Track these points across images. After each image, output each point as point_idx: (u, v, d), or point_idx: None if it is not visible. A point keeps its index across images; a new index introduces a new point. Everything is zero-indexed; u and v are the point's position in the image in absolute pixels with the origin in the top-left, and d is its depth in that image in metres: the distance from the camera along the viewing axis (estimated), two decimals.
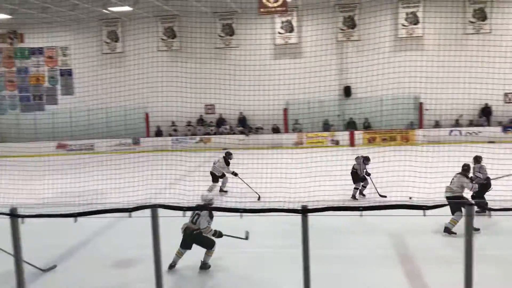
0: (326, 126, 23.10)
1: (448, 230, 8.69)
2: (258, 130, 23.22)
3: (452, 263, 6.98)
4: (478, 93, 19.63)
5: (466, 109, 21.61)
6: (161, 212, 4.54)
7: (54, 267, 7.89)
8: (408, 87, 20.74)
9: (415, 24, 22.05)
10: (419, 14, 21.96)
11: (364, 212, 4.48)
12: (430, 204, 4.42)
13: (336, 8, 22.38)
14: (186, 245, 7.58)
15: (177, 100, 17.88)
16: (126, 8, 21.79)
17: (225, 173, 12.73)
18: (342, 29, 22.58)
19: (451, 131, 21.62)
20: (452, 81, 19.10)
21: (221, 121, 23.92)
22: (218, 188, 12.85)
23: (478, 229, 8.32)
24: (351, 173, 11.81)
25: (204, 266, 7.70)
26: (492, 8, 21.72)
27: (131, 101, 21.17)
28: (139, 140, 23.54)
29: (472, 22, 21.89)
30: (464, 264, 4.23)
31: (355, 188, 11.65)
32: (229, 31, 23.20)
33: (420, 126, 22.38)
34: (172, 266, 7.60)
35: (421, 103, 22.29)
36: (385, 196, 11.32)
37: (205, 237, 7.52)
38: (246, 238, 7.80)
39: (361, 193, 11.83)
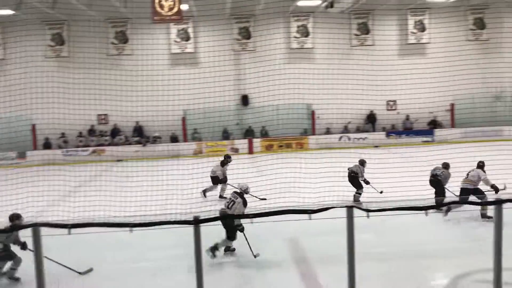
0: (226, 135, 23.32)
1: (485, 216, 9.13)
2: (155, 140, 22.74)
3: (345, 262, 7.36)
4: (363, 101, 21.15)
5: (354, 116, 23.20)
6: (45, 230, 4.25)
7: (90, 270, 7.83)
8: (301, 96, 21.78)
9: (306, 36, 23.14)
10: (309, 27, 23.08)
11: (255, 220, 4.59)
12: (316, 207, 4.67)
13: (231, 18, 22.75)
14: (229, 235, 8.16)
15: (66, 110, 16.90)
16: (7, 12, 20.18)
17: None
18: (237, 39, 23.00)
19: (341, 137, 22.94)
20: (340, 90, 20.39)
21: (116, 131, 23.04)
22: (218, 190, 12.69)
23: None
24: (350, 177, 11.59)
25: (215, 248, 8.13)
26: (374, 22, 23.52)
27: (17, 112, 19.57)
28: (25, 153, 21.84)
29: (356, 35, 23.50)
30: (347, 262, 4.51)
31: (357, 193, 11.47)
32: (122, 38, 22.50)
33: (313, 132, 23.48)
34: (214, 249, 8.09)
35: (313, 111, 23.41)
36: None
37: (233, 227, 7.99)
38: (255, 256, 8.12)
39: (355, 200, 11.39)
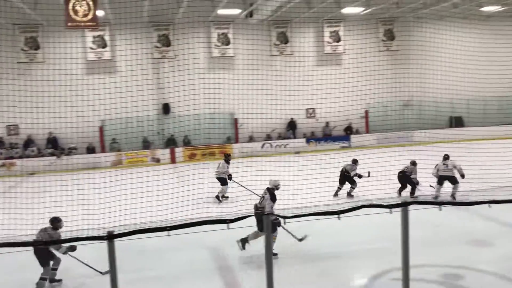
0: (146, 144, 22.77)
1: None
2: (71, 151, 21.66)
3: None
4: (284, 109, 21.61)
5: (275, 124, 23.65)
6: None
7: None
8: (223, 105, 21.80)
9: (227, 44, 23.29)
10: (230, 36, 23.26)
11: (172, 232, 4.50)
12: (234, 217, 4.67)
13: (150, 26, 22.34)
14: (260, 227, 8.34)
15: None
16: None
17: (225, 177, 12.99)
18: (157, 47, 22.62)
19: (263, 144, 23.29)
20: (262, 98, 20.68)
21: (28, 143, 21.68)
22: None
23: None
24: (341, 173, 12.98)
25: (246, 240, 8.69)
26: (292, 32, 24.21)
27: None
28: None
29: (276, 45, 24.04)
30: (266, 267, 4.55)
31: (352, 188, 12.86)
32: (34, 44, 21.28)
33: (236, 140, 23.62)
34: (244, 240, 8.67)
35: (236, 119, 23.55)
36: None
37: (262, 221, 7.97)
38: (301, 240, 8.76)
39: (349, 194, 12.88)
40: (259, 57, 21.89)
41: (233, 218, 4.67)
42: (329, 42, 24.75)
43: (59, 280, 7.80)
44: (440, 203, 4.52)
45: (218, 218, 4.65)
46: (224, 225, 4.79)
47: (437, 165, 12.08)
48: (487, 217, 9.81)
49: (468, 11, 24.50)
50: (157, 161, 22.00)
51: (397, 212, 4.76)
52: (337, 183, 13.08)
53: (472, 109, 25.30)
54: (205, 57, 23.18)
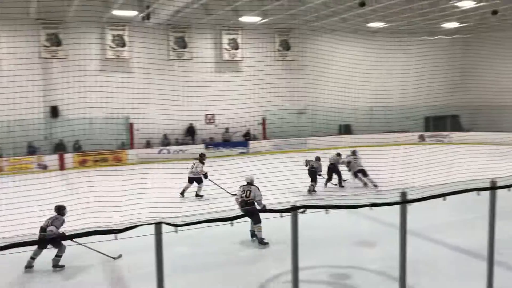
0: (31, 149, 21.11)
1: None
2: None
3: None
4: (183, 114, 21.37)
5: (174, 129, 23.28)
6: None
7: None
8: (118, 108, 20.94)
9: (122, 46, 22.50)
10: (126, 37, 22.50)
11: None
12: (123, 226, 4.43)
13: (38, 23, 20.84)
14: (256, 219, 9.29)
15: None
16: None
17: (201, 176, 13.65)
18: (46, 46, 21.17)
19: (160, 150, 22.79)
20: (160, 103, 20.22)
21: None
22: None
23: None
24: (310, 171, 13.95)
25: (262, 241, 9.29)
26: (191, 37, 24.07)
27: None
28: None
29: (174, 49, 23.72)
30: (156, 278, 4.38)
31: (311, 185, 13.84)
32: None
33: (131, 146, 22.84)
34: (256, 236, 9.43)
35: (131, 124, 22.78)
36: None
37: (255, 213, 9.07)
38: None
39: (340, 184, 14.60)
40: (156, 61, 21.44)
41: (121, 228, 4.43)
42: (227, 49, 25.01)
43: (62, 266, 8.28)
44: (327, 207, 4.71)
45: (106, 229, 4.38)
46: (112, 236, 4.52)
47: (349, 162, 14.28)
48: (372, 218, 10.49)
49: (356, 26, 26.21)
50: (44, 167, 20.49)
51: (288, 216, 4.86)
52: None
53: (359, 118, 27.07)
54: (98, 59, 22.17)
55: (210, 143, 24.43)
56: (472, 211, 10.01)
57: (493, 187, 5.56)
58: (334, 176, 14.76)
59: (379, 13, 24.18)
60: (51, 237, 7.80)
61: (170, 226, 4.59)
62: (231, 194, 12.25)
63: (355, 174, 14.67)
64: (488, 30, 27.81)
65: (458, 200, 5.93)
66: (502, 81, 25.62)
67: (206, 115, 24.86)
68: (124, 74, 21.85)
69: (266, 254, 9.05)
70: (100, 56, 22.36)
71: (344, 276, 7.90)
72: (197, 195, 13.83)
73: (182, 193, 13.75)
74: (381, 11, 23.66)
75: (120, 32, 22.44)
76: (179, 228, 4.74)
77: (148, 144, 23.06)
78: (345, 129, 27.80)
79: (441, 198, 5.41)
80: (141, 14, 20.44)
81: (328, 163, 14.68)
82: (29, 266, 8.25)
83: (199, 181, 13.87)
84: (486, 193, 5.71)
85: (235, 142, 24.98)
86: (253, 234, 9.56)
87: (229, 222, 4.85)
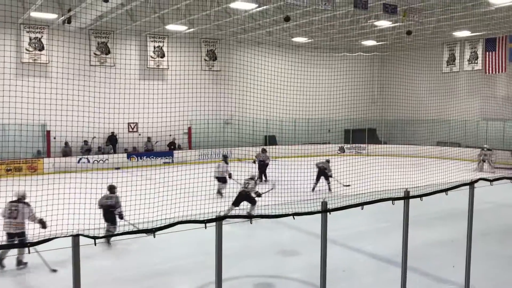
0: None
1: None
2: None
3: None
4: (104, 122, 20.59)
5: (94, 137, 22.39)
6: None
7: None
8: (34, 114, 19.76)
9: (40, 50, 21.36)
10: (44, 40, 21.40)
11: None
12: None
13: None
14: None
15: None
16: None
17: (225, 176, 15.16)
18: None
19: (80, 159, 21.80)
20: (80, 110, 19.37)
21: None
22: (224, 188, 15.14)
23: None
24: (321, 171, 16.20)
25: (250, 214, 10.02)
26: (115, 43, 23.37)
27: None
28: None
29: (96, 55, 22.91)
30: None
31: (328, 183, 16.16)
32: None
33: (48, 155, 21.63)
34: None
35: (48, 131, 21.60)
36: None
37: (252, 197, 11.98)
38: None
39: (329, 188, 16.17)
40: (77, 66, 20.51)
41: (34, 241, 4.18)
42: (152, 57, 24.59)
43: (25, 263, 8.34)
44: (250, 217, 4.75)
45: (18, 242, 4.11)
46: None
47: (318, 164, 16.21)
48: (295, 227, 10.72)
49: (281, 40, 26.89)
50: None
51: (212, 227, 4.84)
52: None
53: (284, 129, 27.68)
54: (13, 62, 20.84)
55: (133, 153, 23.76)
56: (387, 220, 10.57)
57: (406, 197, 5.91)
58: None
59: (303, 29, 25.02)
60: None
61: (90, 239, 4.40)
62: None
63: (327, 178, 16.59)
64: (403, 49, 29.75)
65: (375, 209, 6.23)
66: (415, 97, 27.39)
67: (129, 123, 24.19)
68: (41, 78, 20.69)
69: (189, 267, 8.93)
70: (15, 59, 21.06)
71: (268, 286, 7.99)
72: (218, 192, 15.31)
73: (219, 192, 15.33)
74: (304, 26, 24.50)
75: (38, 35, 21.29)
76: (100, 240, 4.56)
77: (66, 153, 21.95)
78: (270, 140, 28.28)
79: (359, 207, 5.66)
80: (62, 18, 19.55)
81: (317, 168, 16.59)
82: None
83: (224, 180, 15.45)
84: (401, 202, 6.07)
85: (159, 152, 24.50)
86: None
87: (151, 233, 4.75)
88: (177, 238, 8.66)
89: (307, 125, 27.94)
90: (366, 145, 29.77)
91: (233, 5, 19.36)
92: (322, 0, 16.22)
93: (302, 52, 28.39)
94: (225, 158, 16.54)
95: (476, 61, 27.24)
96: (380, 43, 28.74)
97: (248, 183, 12.48)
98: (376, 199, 5.77)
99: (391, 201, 5.90)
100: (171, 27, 23.02)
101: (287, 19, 19.21)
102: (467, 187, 6.59)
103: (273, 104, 22.17)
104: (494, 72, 26.50)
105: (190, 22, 22.61)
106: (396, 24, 23.37)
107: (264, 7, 19.89)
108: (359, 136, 30.36)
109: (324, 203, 5.34)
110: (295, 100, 26.80)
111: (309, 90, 27.13)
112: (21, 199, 8.70)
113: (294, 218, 5.17)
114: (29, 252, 4.44)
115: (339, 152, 29.07)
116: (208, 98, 23.49)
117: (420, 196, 6.00)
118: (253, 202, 12.03)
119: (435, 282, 7.96)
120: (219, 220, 4.69)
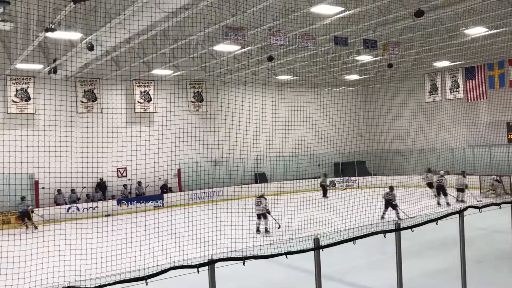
0: None
1: None
2: None
3: None
4: (93, 169, 20.54)
5: (83, 185, 22.22)
6: None
7: None
8: (20, 164, 19.65)
9: (27, 100, 21.46)
10: (30, 91, 21.53)
11: None
12: None
13: None
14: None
15: None
16: None
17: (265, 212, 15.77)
18: None
19: (69, 208, 21.53)
20: (68, 158, 19.31)
21: None
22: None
23: None
24: (387, 202, 16.99)
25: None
26: (101, 90, 23.56)
27: None
28: None
29: (83, 102, 23.04)
30: None
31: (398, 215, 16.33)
32: None
33: (37, 205, 21.34)
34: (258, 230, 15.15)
35: (36, 181, 21.40)
36: None
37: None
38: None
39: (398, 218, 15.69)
40: (64, 114, 20.60)
41: None
42: (139, 102, 24.78)
43: None
44: (243, 258, 4.73)
45: None
46: None
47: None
48: (288, 266, 10.59)
49: (266, 79, 27.35)
50: None
51: (205, 271, 4.79)
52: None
53: (273, 166, 27.75)
54: (0, 113, 20.91)
55: (123, 199, 23.54)
56: (383, 252, 10.52)
57: (397, 229, 5.94)
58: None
59: (286, 67, 25.53)
60: None
61: None
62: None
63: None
64: (386, 81, 30.38)
65: (369, 242, 6.23)
66: (399, 127, 27.80)
67: (118, 168, 24.08)
68: (28, 127, 20.70)
69: None
70: (2, 109, 21.12)
71: None
72: (266, 230, 15.67)
73: (258, 230, 15.65)
74: (288, 65, 25.02)
75: (24, 86, 21.43)
76: None
77: (55, 203, 21.69)
78: (261, 178, 28.28)
79: (351, 242, 5.66)
80: (47, 68, 19.77)
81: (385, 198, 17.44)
82: None
83: (265, 216, 15.77)
84: (393, 234, 6.08)
85: (149, 196, 24.31)
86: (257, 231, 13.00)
87: (143, 281, 4.69)
88: (170, 284, 8.53)
89: (296, 161, 28.06)
90: (356, 177, 29.85)
91: (216, 48, 19.75)
92: (303, 39, 16.64)
93: (287, 90, 28.87)
94: (263, 195, 16.69)
95: (458, 90, 27.84)
96: (363, 77, 29.35)
97: (260, 201, 15.32)
98: (367, 232, 5.78)
99: (383, 234, 5.92)
100: (157, 71, 23.35)
101: (270, 58, 19.64)
102: (457, 215, 6.64)
103: (261, 141, 22.34)
104: (475, 100, 27.07)
105: (176, 66, 22.97)
106: (377, 58, 23.97)
107: (248, 48, 20.34)
108: (349, 169, 30.50)
109: (316, 240, 5.34)
110: (283, 136, 27.03)
111: (296, 126, 27.44)
112: None
113: (287, 257, 5.15)
114: None
115: (329, 186, 29.08)
116: (196, 139, 23.56)
117: (411, 227, 6.03)
118: (266, 217, 15.09)
119: None
120: (211, 263, 4.66)
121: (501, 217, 7.93)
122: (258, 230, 15.70)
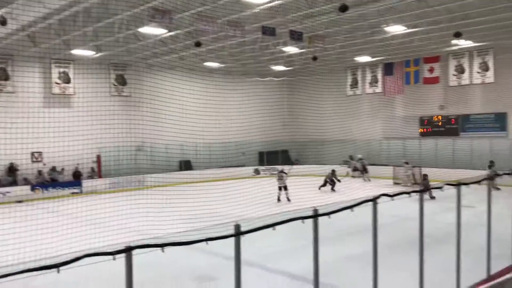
0: None
1: None
2: None
3: None
4: (5, 151, 19.19)
5: None
6: None
7: None
8: None
9: None
10: None
11: None
12: None
13: None
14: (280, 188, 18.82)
15: None
16: None
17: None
18: None
19: None
20: None
21: None
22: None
23: None
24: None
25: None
26: (14, 68, 22.02)
27: None
28: None
29: None
30: None
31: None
32: None
33: None
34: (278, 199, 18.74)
35: None
36: None
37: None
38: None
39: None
40: None
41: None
42: (57, 83, 23.46)
43: None
44: (162, 245, 4.64)
45: None
46: None
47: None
48: (210, 252, 10.59)
49: (194, 64, 26.97)
50: None
51: (122, 258, 4.64)
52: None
53: (199, 153, 27.56)
54: None
55: (37, 184, 22.27)
56: (300, 238, 10.82)
57: (315, 215, 6.11)
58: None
59: (214, 54, 25.31)
60: None
61: None
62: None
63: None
64: (311, 74, 31.15)
65: (287, 229, 6.35)
66: (322, 119, 28.70)
67: (33, 153, 22.72)
68: None
69: None
70: None
71: None
72: (288, 199, 18.74)
73: (278, 199, 18.90)
74: (216, 51, 24.80)
75: None
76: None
77: None
78: (186, 165, 27.98)
79: (271, 228, 5.74)
80: None
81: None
82: None
83: (286, 188, 18.98)
84: (310, 221, 6.25)
85: (66, 182, 23.20)
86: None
87: (55, 269, 4.45)
88: (85, 273, 8.20)
89: (222, 149, 28.07)
90: (281, 166, 30.47)
91: (142, 30, 19.13)
92: (231, 27, 16.57)
93: (215, 77, 28.66)
94: (283, 170, 20.21)
95: (377, 84, 29.20)
96: (289, 68, 29.87)
97: (282, 175, 19.10)
98: (287, 219, 5.88)
99: (301, 220, 6.06)
100: (77, 51, 22.19)
101: (198, 44, 19.38)
102: (371, 203, 6.97)
103: (187, 128, 22.06)
104: (392, 95, 28.56)
105: (98, 47, 21.96)
106: (303, 50, 24.45)
107: (175, 32, 19.89)
108: (273, 157, 31.04)
109: (237, 226, 5.36)
110: (210, 124, 26.90)
111: (223, 114, 27.37)
112: None
113: (207, 244, 5.11)
114: None
115: (253, 174, 29.44)
116: (118, 124, 22.73)
117: (328, 214, 6.22)
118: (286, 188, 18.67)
119: None
120: (128, 251, 4.51)
121: (411, 205, 8.44)
122: (279, 199, 18.97)
